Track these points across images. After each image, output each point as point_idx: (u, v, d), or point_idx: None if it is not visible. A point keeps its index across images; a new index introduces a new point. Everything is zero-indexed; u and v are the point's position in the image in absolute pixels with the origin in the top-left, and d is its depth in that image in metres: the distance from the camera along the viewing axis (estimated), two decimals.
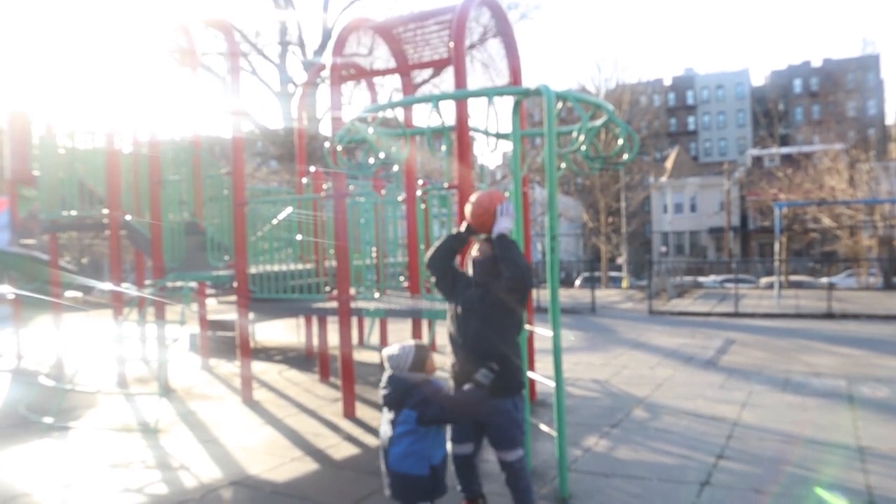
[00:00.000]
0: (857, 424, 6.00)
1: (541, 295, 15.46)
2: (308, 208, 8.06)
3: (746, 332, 12.42)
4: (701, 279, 29.04)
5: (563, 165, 5.64)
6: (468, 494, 3.99)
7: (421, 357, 3.41)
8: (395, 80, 18.89)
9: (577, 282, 34.15)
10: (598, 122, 5.22)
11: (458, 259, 4.04)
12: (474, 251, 3.89)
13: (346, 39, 7.09)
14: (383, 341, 10.27)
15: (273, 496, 4.62)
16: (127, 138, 9.35)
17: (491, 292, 3.72)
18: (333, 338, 8.36)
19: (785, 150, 50.15)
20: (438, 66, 8.01)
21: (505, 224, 3.77)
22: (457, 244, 3.95)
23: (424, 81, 18.44)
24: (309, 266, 8.35)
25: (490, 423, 3.76)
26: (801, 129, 60.87)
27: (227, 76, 17.16)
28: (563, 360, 4.40)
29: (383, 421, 3.46)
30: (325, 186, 9.24)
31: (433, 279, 4.02)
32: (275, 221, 7.89)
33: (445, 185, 8.07)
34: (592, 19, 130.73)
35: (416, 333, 7.50)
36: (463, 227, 3.97)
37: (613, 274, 39.43)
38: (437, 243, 4.00)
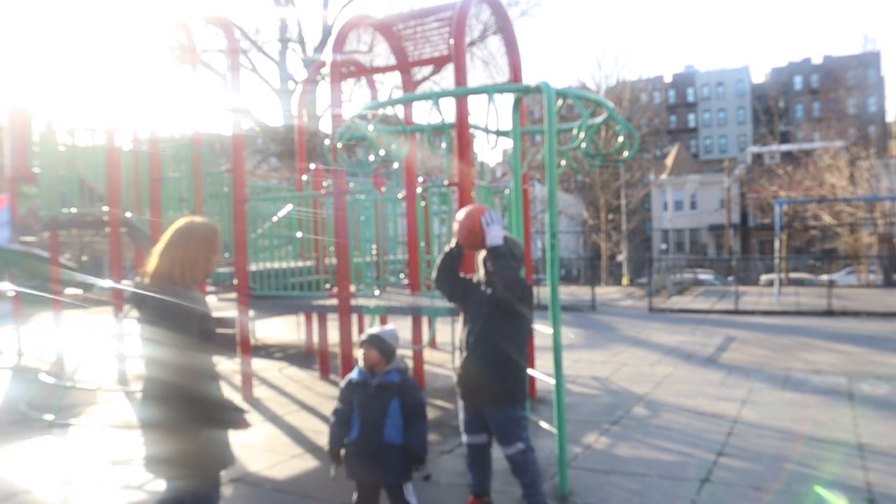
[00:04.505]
0: (857, 422, 6.00)
1: (541, 292, 15.47)
2: (308, 206, 8.05)
3: (746, 330, 12.42)
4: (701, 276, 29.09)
5: (564, 163, 5.64)
6: (476, 490, 3.99)
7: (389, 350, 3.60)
8: (396, 78, 18.90)
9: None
10: (599, 120, 5.22)
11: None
12: (482, 253, 3.91)
13: (347, 36, 7.09)
14: None
15: (273, 493, 4.63)
16: (127, 135, 9.34)
17: (495, 293, 3.74)
18: (333, 335, 8.36)
19: (785, 147, 50.11)
20: (438, 64, 8.00)
21: (494, 233, 3.75)
22: (452, 260, 3.96)
23: (425, 78, 18.43)
24: (309, 263, 8.34)
25: (490, 419, 3.85)
26: (802, 126, 60.87)
27: (227, 73, 17.15)
28: (563, 357, 4.40)
29: None
30: (325, 184, 9.23)
31: (445, 297, 4.06)
32: (275, 219, 7.88)
33: (446, 182, 8.06)
34: (593, 16, 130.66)
35: (417, 331, 7.49)
36: (453, 243, 3.97)
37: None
38: (437, 261, 4.02)
